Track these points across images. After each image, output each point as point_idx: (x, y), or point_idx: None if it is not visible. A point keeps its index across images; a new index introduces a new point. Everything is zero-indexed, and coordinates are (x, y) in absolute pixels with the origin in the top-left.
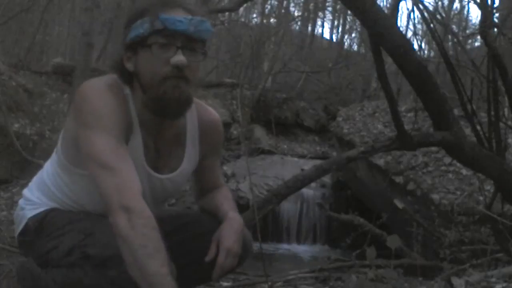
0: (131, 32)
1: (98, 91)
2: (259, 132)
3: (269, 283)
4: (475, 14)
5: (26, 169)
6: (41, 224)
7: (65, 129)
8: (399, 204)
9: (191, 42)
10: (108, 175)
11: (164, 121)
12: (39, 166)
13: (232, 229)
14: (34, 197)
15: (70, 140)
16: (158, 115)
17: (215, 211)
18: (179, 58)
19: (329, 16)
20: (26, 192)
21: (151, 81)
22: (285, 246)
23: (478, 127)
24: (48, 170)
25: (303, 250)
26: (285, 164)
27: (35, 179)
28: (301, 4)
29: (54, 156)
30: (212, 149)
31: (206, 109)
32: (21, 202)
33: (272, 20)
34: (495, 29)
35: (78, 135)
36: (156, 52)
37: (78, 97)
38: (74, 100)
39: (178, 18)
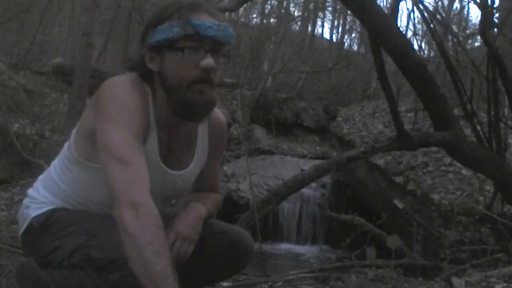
0: (158, 34)
1: (123, 87)
2: (259, 132)
3: (269, 283)
4: (475, 14)
5: (26, 169)
6: (45, 224)
7: (81, 124)
8: (399, 204)
9: (217, 46)
10: (121, 168)
11: (180, 120)
12: (39, 166)
13: (187, 215)
14: (40, 196)
15: (86, 134)
16: (184, 118)
17: (185, 205)
18: (209, 61)
19: (329, 16)
20: (31, 191)
21: (179, 83)
22: (285, 246)
23: (478, 127)
24: (56, 166)
25: (303, 250)
26: (285, 164)
27: (40, 177)
28: (301, 4)
29: (64, 152)
30: (214, 151)
31: (215, 110)
32: (25, 201)
33: (272, 20)
34: (495, 29)
35: (97, 128)
36: (187, 55)
37: (102, 91)
38: (97, 94)
39: (208, 24)
